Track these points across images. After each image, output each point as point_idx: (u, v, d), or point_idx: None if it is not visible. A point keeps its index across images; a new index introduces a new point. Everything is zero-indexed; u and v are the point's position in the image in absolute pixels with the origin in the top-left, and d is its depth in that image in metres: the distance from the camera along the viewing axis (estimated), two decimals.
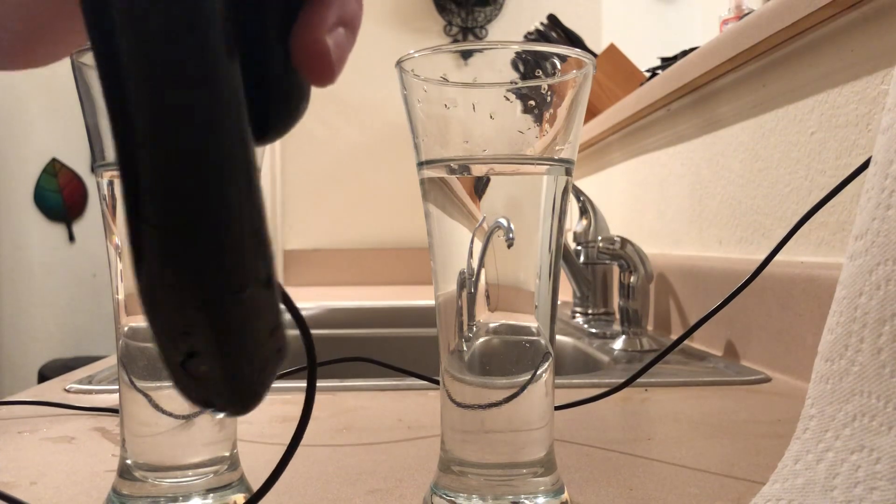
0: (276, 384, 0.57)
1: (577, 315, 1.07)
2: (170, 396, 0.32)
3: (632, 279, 0.85)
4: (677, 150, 1.00)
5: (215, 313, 0.18)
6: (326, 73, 0.21)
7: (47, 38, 0.29)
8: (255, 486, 0.35)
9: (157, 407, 0.31)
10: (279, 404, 0.56)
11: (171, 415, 0.31)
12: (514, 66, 0.31)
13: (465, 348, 0.32)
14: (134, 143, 0.17)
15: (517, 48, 0.31)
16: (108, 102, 0.17)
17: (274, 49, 0.20)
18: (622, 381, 0.51)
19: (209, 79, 0.16)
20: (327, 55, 0.20)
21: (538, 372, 0.32)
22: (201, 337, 0.18)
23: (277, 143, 2.40)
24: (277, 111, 0.21)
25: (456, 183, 0.31)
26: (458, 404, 0.32)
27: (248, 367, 0.19)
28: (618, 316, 0.92)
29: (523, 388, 0.32)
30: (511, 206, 0.31)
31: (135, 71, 0.16)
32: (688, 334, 0.47)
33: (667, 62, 1.11)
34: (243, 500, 0.33)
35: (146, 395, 0.31)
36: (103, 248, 0.33)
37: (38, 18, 0.27)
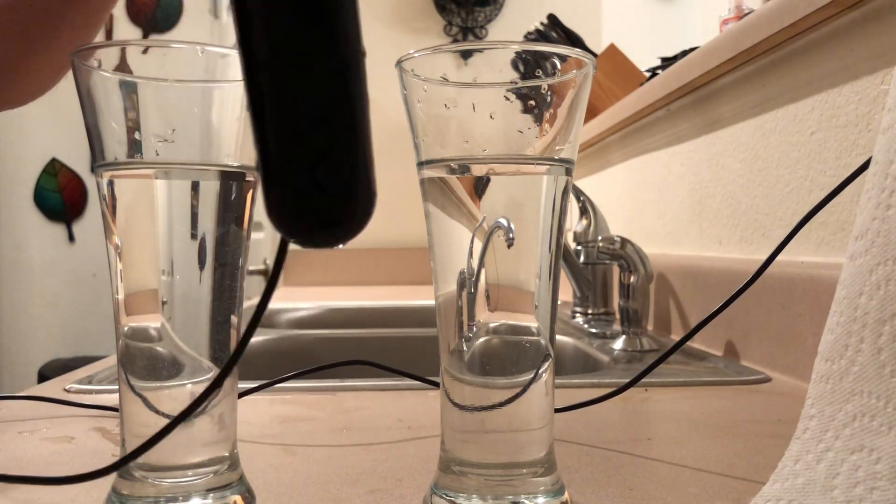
0: (277, 386, 0.57)
1: (577, 315, 1.07)
2: (169, 397, 0.32)
3: (632, 279, 0.85)
4: (677, 150, 1.00)
5: (354, 76, 0.20)
6: None
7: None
8: (256, 487, 0.35)
9: (152, 408, 0.31)
10: (279, 404, 0.56)
11: (166, 416, 0.31)
12: (514, 66, 0.31)
13: (465, 348, 0.32)
14: None
15: (517, 48, 0.31)
16: None
17: None
18: (622, 381, 0.51)
19: None
20: None
21: (538, 372, 0.32)
22: (340, 116, 0.19)
23: None
24: None
25: (456, 183, 0.31)
26: (458, 405, 0.32)
27: (370, 154, 0.20)
28: (618, 316, 0.92)
29: (524, 388, 0.32)
30: (511, 206, 0.31)
31: None
32: (690, 335, 0.47)
33: (667, 62, 1.11)
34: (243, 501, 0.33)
35: (142, 397, 0.31)
36: (103, 248, 0.33)
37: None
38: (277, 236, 0.22)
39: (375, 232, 2.22)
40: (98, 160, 0.31)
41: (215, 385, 0.26)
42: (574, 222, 1.12)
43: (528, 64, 0.30)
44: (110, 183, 0.31)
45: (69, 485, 0.37)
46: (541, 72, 0.30)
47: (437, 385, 0.57)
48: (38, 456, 0.43)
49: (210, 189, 0.31)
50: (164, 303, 0.31)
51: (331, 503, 0.35)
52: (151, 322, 0.31)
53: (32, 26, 0.30)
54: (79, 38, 0.33)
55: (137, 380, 0.31)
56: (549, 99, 0.30)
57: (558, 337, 0.92)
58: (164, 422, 0.31)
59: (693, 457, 0.42)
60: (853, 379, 0.27)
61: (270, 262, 2.32)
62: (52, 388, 0.61)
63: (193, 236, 0.31)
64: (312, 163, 0.20)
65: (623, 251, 0.86)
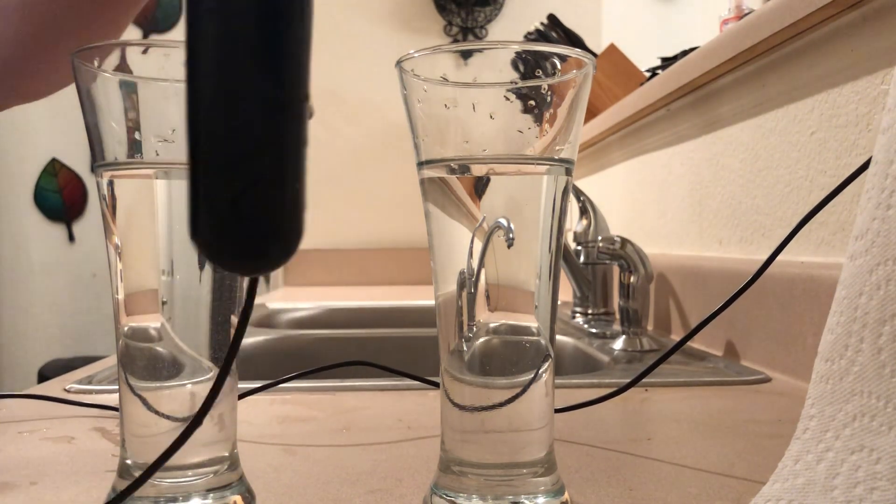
0: (277, 387, 0.57)
1: (577, 315, 1.07)
2: (169, 397, 0.32)
3: (632, 279, 0.85)
4: (677, 150, 1.00)
5: (290, 123, 0.20)
6: None
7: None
8: (256, 487, 0.35)
9: (151, 409, 0.31)
10: (279, 404, 0.56)
11: (167, 417, 0.31)
12: (514, 66, 0.31)
13: (465, 348, 0.32)
14: None
15: (517, 48, 0.31)
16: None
17: None
18: (622, 381, 0.51)
19: None
20: None
21: (538, 372, 0.32)
22: (268, 156, 0.20)
23: None
24: None
25: (456, 183, 0.31)
26: (458, 405, 0.32)
27: (299, 199, 0.21)
28: (618, 316, 0.92)
29: (524, 388, 0.31)
30: (511, 206, 0.31)
31: None
32: (691, 335, 0.47)
33: (667, 62, 1.11)
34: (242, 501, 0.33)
35: (141, 398, 0.31)
36: (103, 248, 0.33)
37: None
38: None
39: (375, 232, 2.22)
40: (98, 160, 0.31)
41: (213, 393, 0.26)
42: (574, 222, 1.12)
43: (528, 64, 0.30)
44: (110, 183, 0.31)
45: (69, 486, 0.37)
46: (541, 72, 0.30)
47: (437, 385, 0.57)
48: (38, 456, 0.43)
49: None
50: (164, 303, 0.31)
51: (331, 503, 0.35)
52: (151, 322, 0.31)
53: (66, 16, 0.31)
54: (110, 32, 0.35)
55: (137, 380, 0.31)
56: (549, 99, 0.30)
57: (558, 337, 0.92)
58: (164, 422, 0.31)
59: (693, 457, 0.42)
60: (853, 379, 0.27)
61: None
62: (52, 388, 0.61)
63: None
64: (235, 195, 0.20)
65: (623, 251, 0.86)
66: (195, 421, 0.26)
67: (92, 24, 0.31)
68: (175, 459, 0.32)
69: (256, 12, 0.19)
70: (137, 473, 0.31)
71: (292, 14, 0.20)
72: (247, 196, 0.20)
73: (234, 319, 0.33)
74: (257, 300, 1.53)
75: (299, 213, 0.21)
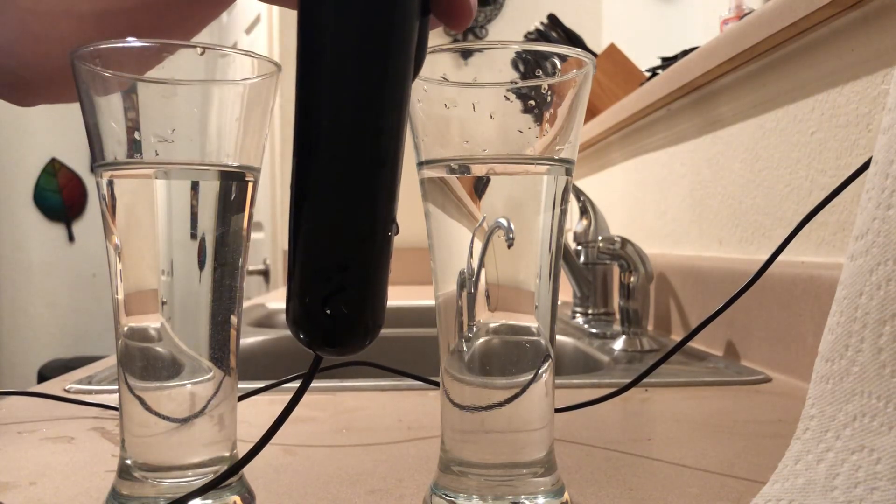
0: (277, 387, 0.57)
1: (577, 315, 1.07)
2: (169, 397, 0.32)
3: (632, 279, 0.85)
4: (677, 150, 1.00)
5: (379, 244, 0.24)
6: (467, 15, 0.28)
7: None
8: (256, 487, 0.35)
9: (149, 409, 0.31)
10: (279, 404, 0.56)
11: (165, 417, 0.31)
12: (514, 65, 0.31)
13: (465, 348, 0.32)
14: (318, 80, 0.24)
15: (517, 48, 0.31)
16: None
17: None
18: (622, 381, 0.51)
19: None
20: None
21: (538, 372, 0.32)
22: (357, 268, 0.24)
23: (277, 144, 2.40)
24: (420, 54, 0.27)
25: (456, 183, 0.31)
26: (458, 405, 0.32)
27: (380, 302, 0.25)
28: (618, 316, 0.92)
29: (524, 388, 0.31)
30: (511, 206, 0.31)
31: None
32: (692, 335, 0.47)
33: (667, 62, 1.11)
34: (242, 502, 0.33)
35: (141, 398, 0.31)
36: (103, 248, 0.33)
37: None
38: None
39: None
40: (98, 160, 0.31)
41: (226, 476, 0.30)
42: (574, 222, 1.12)
43: (528, 64, 0.30)
44: (110, 183, 0.31)
45: (69, 486, 0.37)
46: (541, 72, 0.30)
47: (437, 385, 0.57)
48: (38, 456, 0.43)
49: (210, 189, 0.31)
50: (163, 303, 0.31)
51: (331, 503, 0.35)
52: (151, 322, 0.31)
53: (142, 32, 0.32)
54: (191, 32, 0.35)
55: (137, 380, 0.31)
56: (549, 99, 0.30)
57: (558, 337, 0.92)
58: (164, 422, 0.31)
59: (693, 457, 0.42)
60: (854, 379, 0.27)
61: (270, 261, 2.32)
62: (51, 388, 0.61)
63: (193, 236, 0.31)
64: (325, 296, 0.24)
65: (623, 251, 0.86)
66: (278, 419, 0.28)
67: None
68: (175, 459, 0.32)
69: (361, 156, 0.24)
70: (137, 473, 0.31)
71: (391, 159, 0.24)
72: (335, 298, 0.24)
73: (234, 319, 0.33)
74: (258, 300, 1.53)
75: (378, 314, 0.25)
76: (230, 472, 0.29)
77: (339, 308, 0.24)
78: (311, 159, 0.24)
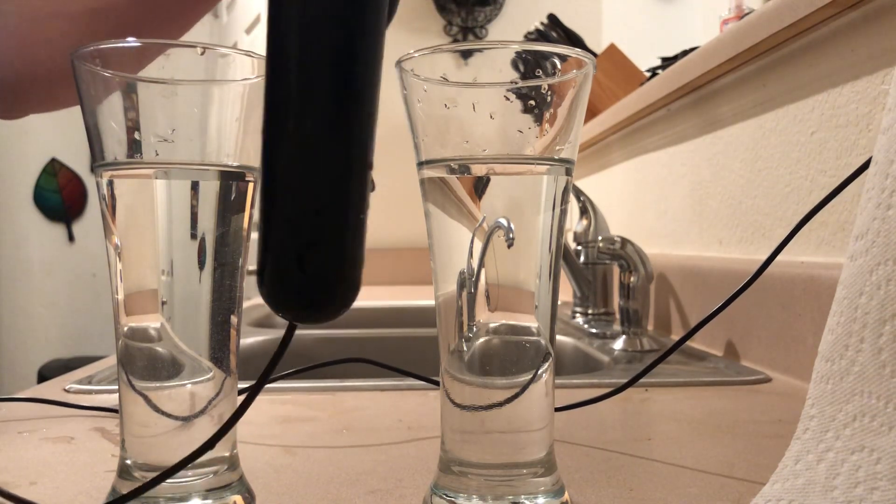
0: (277, 386, 0.57)
1: (577, 315, 1.07)
2: (168, 397, 0.32)
3: (632, 279, 0.85)
4: (677, 150, 1.00)
5: (355, 187, 0.22)
6: None
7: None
8: (256, 487, 0.35)
9: (154, 408, 0.31)
10: (279, 404, 0.56)
11: (169, 415, 0.31)
12: (514, 65, 0.31)
13: (465, 348, 0.32)
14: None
15: (517, 48, 0.31)
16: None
17: None
18: (622, 381, 0.51)
19: None
20: None
21: (538, 372, 0.32)
22: (332, 213, 0.22)
23: None
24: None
25: (456, 183, 0.31)
26: (458, 405, 0.32)
27: (358, 253, 0.22)
28: (618, 316, 0.92)
29: (524, 388, 0.31)
30: (511, 206, 0.31)
31: None
32: (690, 335, 0.47)
33: (667, 62, 1.11)
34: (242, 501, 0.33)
35: (144, 396, 0.31)
36: (103, 248, 0.33)
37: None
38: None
39: (375, 232, 2.22)
40: (98, 160, 0.31)
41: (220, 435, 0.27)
42: (574, 222, 1.12)
43: (528, 64, 0.30)
44: (110, 183, 0.31)
45: (69, 486, 0.37)
46: (541, 72, 0.30)
47: (437, 385, 0.57)
48: (38, 456, 0.43)
49: (210, 189, 0.31)
50: (163, 303, 0.31)
51: (331, 503, 0.35)
52: (151, 322, 0.31)
53: (133, 31, 0.32)
54: (182, 28, 0.35)
55: (137, 380, 0.31)
56: (549, 99, 0.30)
57: (558, 337, 0.92)
58: (164, 422, 0.31)
59: (693, 457, 0.42)
60: (854, 379, 0.27)
61: None
62: (51, 388, 0.61)
63: (193, 236, 0.31)
64: (299, 250, 0.22)
65: (623, 251, 0.86)
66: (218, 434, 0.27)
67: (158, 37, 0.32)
68: (175, 460, 0.32)
69: (335, 87, 0.22)
70: (138, 474, 0.31)
71: (366, 90, 0.22)
72: (310, 253, 0.22)
73: (234, 319, 0.33)
74: (258, 300, 1.53)
75: (357, 272, 0.23)
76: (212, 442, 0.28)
77: (315, 265, 0.22)
78: (282, 92, 0.22)
